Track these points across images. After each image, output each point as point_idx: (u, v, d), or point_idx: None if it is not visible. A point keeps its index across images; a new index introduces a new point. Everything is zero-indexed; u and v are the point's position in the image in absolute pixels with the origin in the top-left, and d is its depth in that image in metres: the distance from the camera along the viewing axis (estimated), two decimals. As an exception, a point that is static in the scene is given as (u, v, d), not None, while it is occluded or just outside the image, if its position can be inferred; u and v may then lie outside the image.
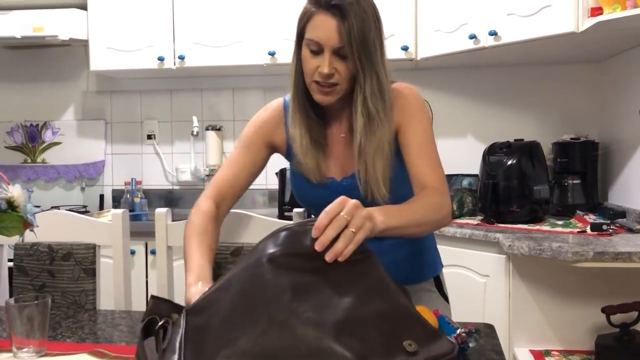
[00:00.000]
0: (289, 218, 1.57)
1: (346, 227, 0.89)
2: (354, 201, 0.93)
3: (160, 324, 0.85)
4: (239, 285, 0.84)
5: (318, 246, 0.87)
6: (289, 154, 1.36)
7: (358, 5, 1.15)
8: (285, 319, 0.78)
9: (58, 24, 2.76)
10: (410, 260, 1.37)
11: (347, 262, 0.87)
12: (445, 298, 1.44)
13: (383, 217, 0.99)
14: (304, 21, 1.21)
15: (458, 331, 1.01)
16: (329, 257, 0.86)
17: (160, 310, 0.88)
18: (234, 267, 0.88)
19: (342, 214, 0.90)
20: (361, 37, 1.15)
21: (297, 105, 1.28)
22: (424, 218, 1.12)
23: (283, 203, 2.78)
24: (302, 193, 1.36)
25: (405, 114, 1.26)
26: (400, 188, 1.26)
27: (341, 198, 0.93)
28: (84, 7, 2.85)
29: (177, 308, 0.89)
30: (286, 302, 0.80)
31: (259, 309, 0.79)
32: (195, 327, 0.81)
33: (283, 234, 0.89)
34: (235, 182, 1.31)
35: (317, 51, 1.19)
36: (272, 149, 1.37)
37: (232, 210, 1.59)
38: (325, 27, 1.16)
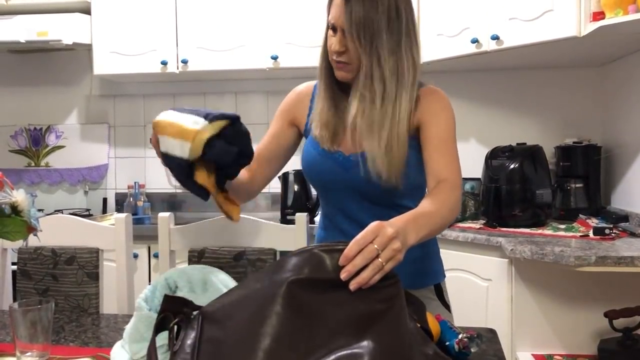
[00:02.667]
0: (292, 222, 1.57)
1: (376, 256, 0.87)
2: (388, 232, 0.91)
3: (174, 321, 0.85)
4: (255, 306, 0.82)
5: (344, 275, 0.85)
6: (306, 129, 1.41)
7: None
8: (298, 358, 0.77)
9: (62, 29, 2.77)
10: (413, 265, 1.37)
11: (368, 290, 0.85)
12: (447, 307, 1.42)
13: (415, 232, 1.01)
14: (329, 2, 1.28)
15: (460, 336, 1.01)
16: (353, 286, 0.85)
17: (174, 308, 0.88)
18: (256, 279, 0.87)
19: (374, 245, 0.88)
20: (362, 21, 1.20)
21: (323, 82, 1.34)
22: (448, 218, 1.16)
23: (285, 207, 2.78)
24: (310, 159, 1.38)
25: (431, 110, 1.30)
26: (415, 178, 1.30)
27: (375, 225, 0.91)
28: (87, 11, 2.87)
29: (191, 306, 0.89)
30: (296, 342, 0.79)
31: (271, 345, 0.78)
32: (211, 339, 0.81)
33: (308, 255, 0.86)
34: (265, 152, 1.41)
35: (334, 30, 1.25)
36: (296, 125, 1.43)
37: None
38: (337, 9, 1.24)
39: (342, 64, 1.27)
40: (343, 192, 1.35)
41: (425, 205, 1.14)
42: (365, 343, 0.78)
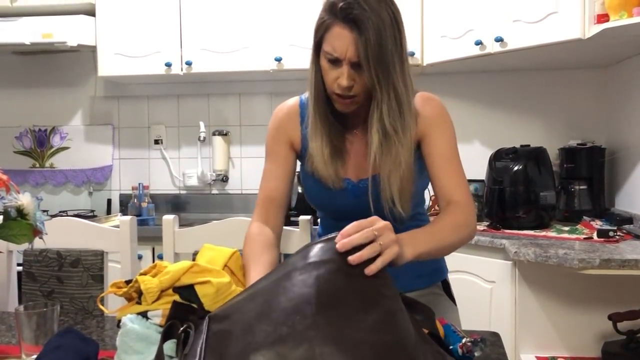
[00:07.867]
0: (295, 224, 1.58)
1: (373, 241, 0.88)
2: (385, 222, 0.93)
3: (182, 328, 0.86)
4: (265, 295, 0.83)
5: (340, 245, 0.85)
6: (302, 154, 1.34)
7: (376, 16, 1.11)
8: (305, 329, 0.77)
9: (67, 30, 2.78)
10: (422, 265, 1.36)
11: (369, 278, 0.85)
12: (454, 301, 1.44)
13: (412, 247, 1.01)
14: (321, 32, 1.18)
15: (463, 340, 1.01)
16: (352, 258, 0.84)
17: (182, 315, 0.89)
18: (262, 280, 0.88)
19: (371, 229, 0.89)
20: (378, 52, 1.11)
21: (318, 116, 1.25)
22: (451, 238, 1.14)
23: (289, 209, 2.78)
24: (316, 195, 1.33)
25: (429, 124, 1.25)
26: (418, 188, 1.29)
27: (373, 217, 0.93)
28: (92, 13, 2.88)
29: (199, 313, 0.90)
30: (309, 313, 0.79)
31: (281, 318, 0.78)
32: (217, 333, 0.81)
33: (311, 246, 0.88)
34: (276, 194, 1.32)
35: (335, 62, 1.16)
36: (293, 148, 1.35)
37: (237, 218, 1.61)
38: (343, 41, 1.13)
39: (349, 98, 1.19)
40: (352, 215, 1.33)
41: (429, 224, 1.14)
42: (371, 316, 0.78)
